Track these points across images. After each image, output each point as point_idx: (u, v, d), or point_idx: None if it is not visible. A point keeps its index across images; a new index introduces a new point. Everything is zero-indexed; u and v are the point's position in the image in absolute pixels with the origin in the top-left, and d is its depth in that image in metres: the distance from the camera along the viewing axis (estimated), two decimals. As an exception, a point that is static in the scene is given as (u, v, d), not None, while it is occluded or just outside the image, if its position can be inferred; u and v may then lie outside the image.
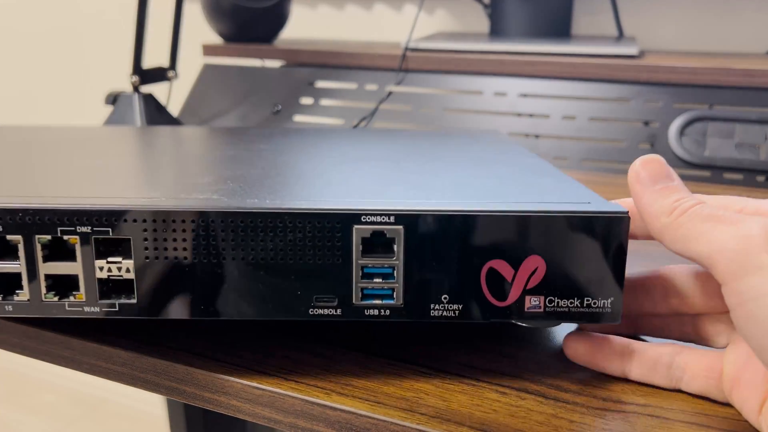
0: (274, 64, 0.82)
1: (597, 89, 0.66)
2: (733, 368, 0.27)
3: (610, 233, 0.27)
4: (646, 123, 0.63)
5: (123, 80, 0.86)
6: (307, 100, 0.74)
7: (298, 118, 0.73)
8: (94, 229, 0.28)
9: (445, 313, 0.28)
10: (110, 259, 0.28)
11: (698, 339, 0.30)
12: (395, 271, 0.28)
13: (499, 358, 0.31)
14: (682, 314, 0.30)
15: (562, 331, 0.33)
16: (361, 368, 0.30)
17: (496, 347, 0.32)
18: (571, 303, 0.28)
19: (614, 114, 0.64)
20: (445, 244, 0.27)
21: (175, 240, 0.28)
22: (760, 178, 0.58)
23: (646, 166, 0.28)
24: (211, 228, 0.28)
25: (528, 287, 0.28)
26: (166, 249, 0.28)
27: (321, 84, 0.76)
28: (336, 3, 1.00)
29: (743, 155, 0.58)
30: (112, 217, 0.28)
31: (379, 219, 0.27)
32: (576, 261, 0.28)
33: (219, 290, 0.28)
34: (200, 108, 0.77)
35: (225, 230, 0.28)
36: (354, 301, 0.28)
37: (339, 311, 0.28)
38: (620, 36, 0.83)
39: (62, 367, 0.33)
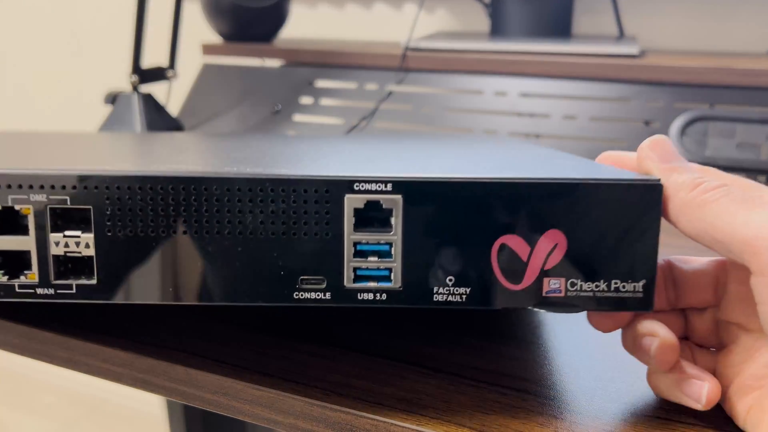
0: (274, 63, 0.81)
1: (598, 89, 0.66)
2: (724, 372, 0.26)
3: (641, 205, 0.24)
4: (647, 123, 0.63)
5: (122, 80, 0.85)
6: (307, 100, 0.74)
7: (298, 117, 0.73)
8: (50, 197, 0.24)
9: (450, 298, 0.25)
10: (67, 233, 0.25)
11: (691, 337, 0.29)
12: (393, 249, 0.25)
13: (499, 359, 0.30)
14: (678, 309, 0.28)
15: (564, 331, 0.33)
16: (361, 368, 0.30)
17: (497, 347, 0.31)
18: (596, 287, 0.25)
19: (615, 114, 0.64)
20: (450, 216, 0.24)
21: (141, 211, 0.24)
22: (762, 178, 0.58)
23: (657, 146, 0.26)
24: (183, 197, 0.24)
25: (546, 267, 0.24)
26: (131, 222, 0.24)
27: (321, 84, 0.76)
28: (336, 2, 1.00)
29: (744, 155, 0.58)
30: (71, 183, 0.24)
31: (374, 187, 0.24)
32: (602, 237, 0.24)
33: (191, 270, 0.25)
34: (200, 108, 0.77)
35: (198, 200, 0.24)
36: (345, 284, 0.25)
37: (328, 295, 0.25)
38: (621, 35, 0.82)
39: (61, 368, 0.33)
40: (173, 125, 0.66)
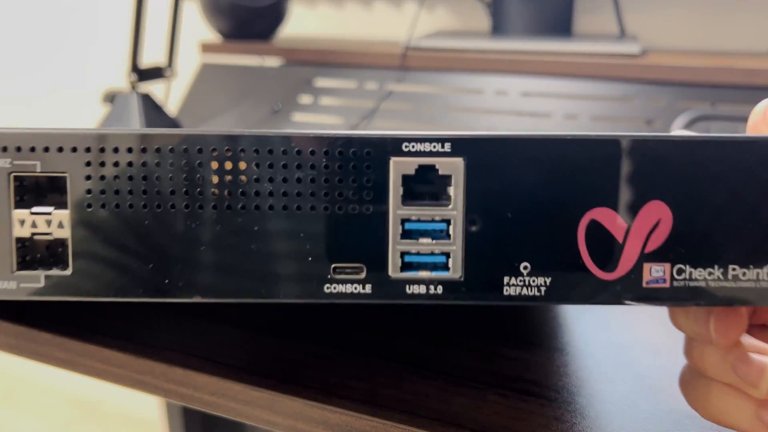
0: (273, 62, 0.81)
1: (599, 88, 0.65)
2: None
3: (763, 169, 0.19)
4: (649, 122, 0.63)
5: (120, 79, 0.85)
6: (306, 99, 0.74)
7: (298, 117, 0.73)
8: (15, 162, 0.20)
9: (525, 291, 0.20)
10: (35, 209, 0.20)
11: None
12: (451, 228, 0.20)
13: (500, 360, 0.30)
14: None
15: (565, 332, 0.33)
16: (360, 370, 0.29)
17: (497, 348, 0.31)
18: (710, 274, 0.20)
19: (616, 113, 0.64)
20: (525, 185, 0.20)
21: (131, 179, 0.20)
22: (763, 178, 0.58)
23: None
24: (184, 162, 0.20)
25: (647, 250, 0.20)
26: (118, 193, 0.20)
27: (320, 83, 0.75)
28: (336, 1, 1.00)
29: (745, 154, 0.58)
30: (43, 143, 0.20)
31: (428, 147, 0.19)
32: (715, 211, 0.19)
33: (193, 257, 0.20)
34: (198, 107, 0.77)
35: (204, 164, 0.20)
36: (390, 273, 0.20)
37: (368, 288, 0.20)
38: (622, 34, 0.82)
39: (59, 370, 0.33)
40: (171, 125, 0.66)
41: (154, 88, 0.68)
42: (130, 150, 0.20)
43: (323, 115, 0.73)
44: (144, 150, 0.20)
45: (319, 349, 0.31)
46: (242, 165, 0.20)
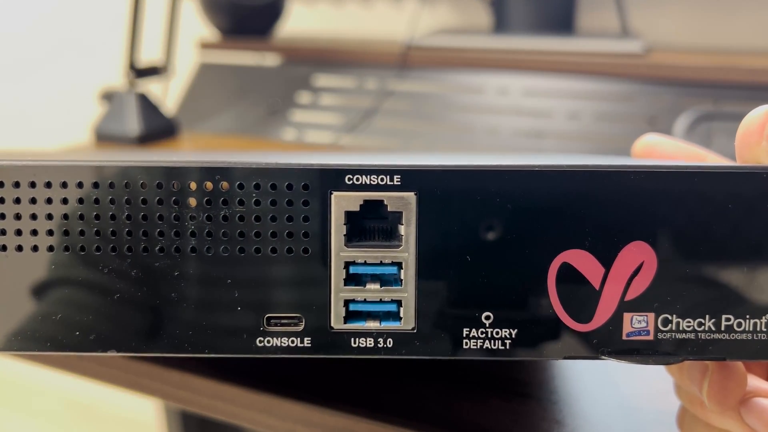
0: (272, 60, 0.81)
1: (601, 86, 0.65)
2: None
3: (759, 203, 0.17)
4: (652, 122, 0.63)
5: (117, 77, 0.85)
6: (305, 98, 0.74)
7: (298, 115, 0.72)
8: None
9: (487, 345, 0.18)
10: None
11: None
12: (403, 272, 0.18)
13: (501, 363, 0.30)
14: None
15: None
16: (360, 373, 0.29)
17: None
18: (699, 325, 0.18)
19: (619, 112, 0.63)
20: (486, 223, 0.17)
21: (34, 218, 0.17)
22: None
23: None
24: (93, 196, 0.17)
25: (628, 298, 0.18)
26: (20, 234, 0.18)
27: (320, 81, 0.75)
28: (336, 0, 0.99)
29: (748, 153, 0.57)
30: None
31: (375, 180, 0.17)
32: (707, 251, 0.17)
33: (104, 302, 0.18)
34: (196, 106, 0.76)
35: (118, 199, 0.17)
36: (333, 324, 0.18)
37: (307, 341, 0.18)
38: (624, 32, 0.82)
39: (55, 372, 0.32)
40: (168, 124, 0.66)
41: (151, 87, 0.67)
42: (13, 184, 0.18)
43: (323, 113, 0.72)
44: (32, 184, 0.18)
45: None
46: (153, 202, 0.17)
